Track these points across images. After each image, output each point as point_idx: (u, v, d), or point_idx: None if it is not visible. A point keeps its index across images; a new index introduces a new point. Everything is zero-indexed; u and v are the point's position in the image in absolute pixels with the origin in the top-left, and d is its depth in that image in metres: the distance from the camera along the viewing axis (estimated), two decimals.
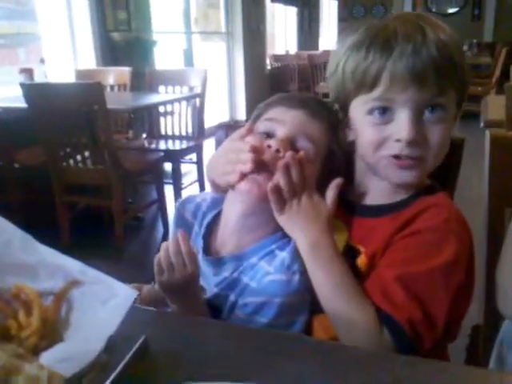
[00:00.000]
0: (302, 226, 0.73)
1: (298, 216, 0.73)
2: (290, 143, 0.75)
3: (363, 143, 0.74)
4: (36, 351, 0.49)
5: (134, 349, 0.55)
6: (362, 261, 0.74)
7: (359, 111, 0.73)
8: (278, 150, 0.73)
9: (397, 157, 0.71)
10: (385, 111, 0.70)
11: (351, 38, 0.73)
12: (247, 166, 0.72)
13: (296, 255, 0.75)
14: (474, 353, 1.01)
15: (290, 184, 0.71)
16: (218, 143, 1.07)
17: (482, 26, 8.82)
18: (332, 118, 0.79)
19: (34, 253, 0.56)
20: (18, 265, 0.56)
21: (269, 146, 0.74)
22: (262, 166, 0.73)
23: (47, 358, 0.45)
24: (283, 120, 0.77)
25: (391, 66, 0.67)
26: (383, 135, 0.71)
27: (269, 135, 0.77)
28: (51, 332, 0.53)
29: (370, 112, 0.71)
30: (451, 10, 9.12)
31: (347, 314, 0.68)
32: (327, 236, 0.73)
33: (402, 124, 0.69)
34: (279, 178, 0.71)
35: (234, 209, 0.81)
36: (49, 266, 0.56)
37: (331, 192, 0.75)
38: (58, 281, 0.56)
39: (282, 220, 0.75)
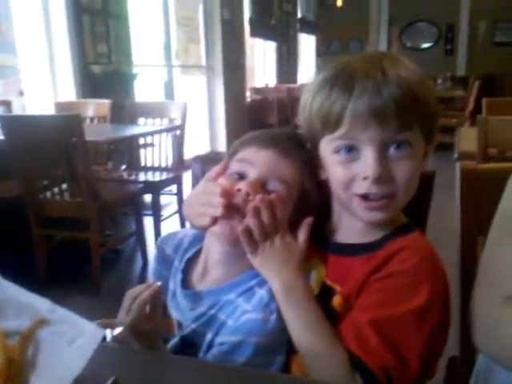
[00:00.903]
0: (274, 268, 0.73)
1: (271, 258, 0.73)
2: (261, 185, 0.75)
3: (334, 182, 0.74)
4: None
5: None
6: (337, 301, 0.73)
7: (327, 150, 0.74)
8: (248, 193, 0.73)
9: (365, 197, 0.71)
10: (350, 149, 0.70)
11: (319, 76, 0.74)
12: (218, 210, 0.72)
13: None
14: None
15: (261, 226, 0.71)
16: (194, 176, 1.07)
17: (455, 61, 9.13)
18: (305, 154, 0.79)
19: (0, 290, 0.54)
20: None
21: (239, 190, 0.74)
22: (233, 209, 0.73)
23: None
24: (254, 161, 0.77)
25: (352, 105, 0.68)
26: (351, 173, 0.71)
27: (241, 176, 0.77)
28: (16, 374, 0.51)
29: (337, 151, 0.72)
30: (425, 45, 9.45)
31: (319, 357, 0.68)
32: (300, 277, 0.73)
33: (367, 162, 0.69)
34: (249, 220, 0.71)
35: (213, 245, 0.81)
36: (16, 305, 0.55)
37: (302, 231, 0.75)
38: (25, 320, 0.54)
39: (256, 262, 0.75)
